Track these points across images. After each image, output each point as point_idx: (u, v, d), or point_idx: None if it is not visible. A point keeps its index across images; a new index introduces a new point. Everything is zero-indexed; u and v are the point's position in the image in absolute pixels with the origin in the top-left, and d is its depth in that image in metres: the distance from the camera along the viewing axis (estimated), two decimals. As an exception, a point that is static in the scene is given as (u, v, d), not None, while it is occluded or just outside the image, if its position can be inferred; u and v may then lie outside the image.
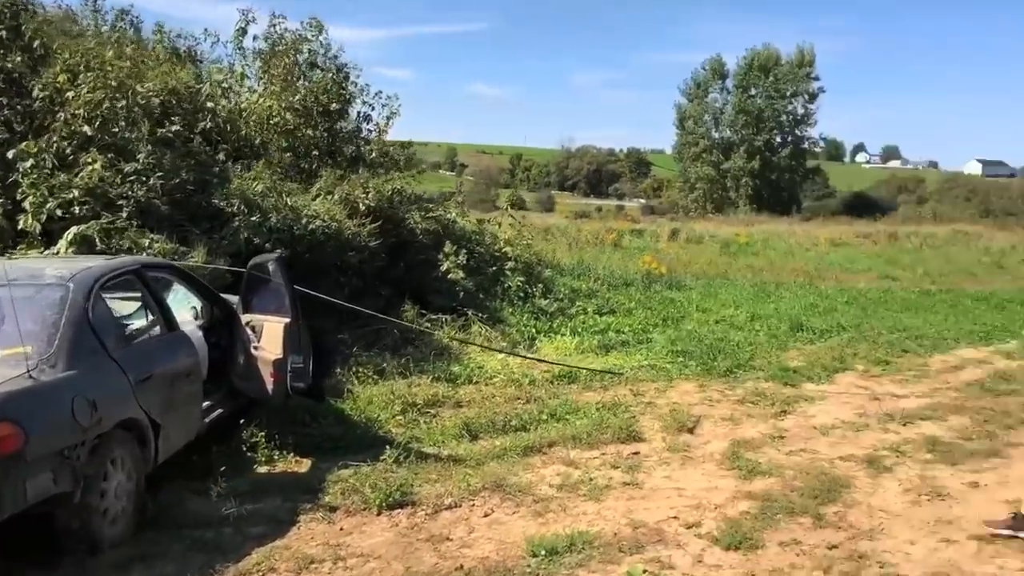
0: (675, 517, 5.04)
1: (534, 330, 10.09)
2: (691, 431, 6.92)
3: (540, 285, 10.85)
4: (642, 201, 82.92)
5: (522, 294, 10.76)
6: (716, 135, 60.50)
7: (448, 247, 9.96)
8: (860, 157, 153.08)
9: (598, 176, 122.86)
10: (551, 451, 6.29)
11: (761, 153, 57.82)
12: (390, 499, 5.15)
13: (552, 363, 8.71)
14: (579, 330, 10.28)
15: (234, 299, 6.27)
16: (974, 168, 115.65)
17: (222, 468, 5.44)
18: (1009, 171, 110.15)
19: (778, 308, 12.64)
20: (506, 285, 10.78)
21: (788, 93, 58.48)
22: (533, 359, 8.75)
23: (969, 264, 21.50)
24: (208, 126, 9.89)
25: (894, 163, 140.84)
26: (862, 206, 55.40)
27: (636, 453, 6.31)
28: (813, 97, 58.87)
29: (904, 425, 7.06)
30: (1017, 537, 4.63)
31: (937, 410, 7.51)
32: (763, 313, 12.18)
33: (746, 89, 59.32)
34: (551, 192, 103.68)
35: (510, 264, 11.01)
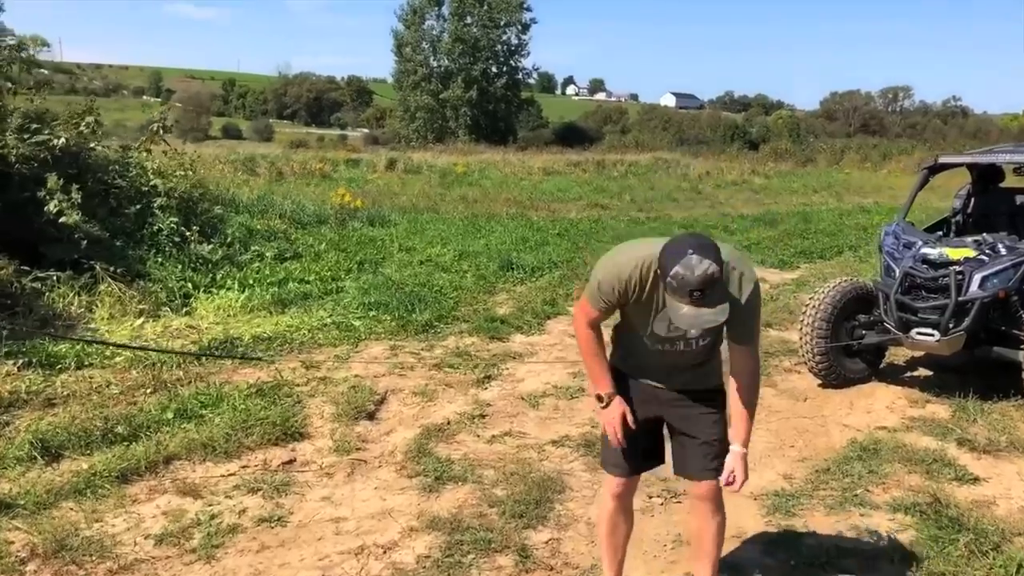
0: (323, 577, 3.44)
1: (189, 285, 7.98)
2: (372, 416, 5.35)
3: (198, 227, 8.66)
4: (365, 131, 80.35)
5: (177, 239, 8.56)
6: (435, 63, 59.19)
7: (52, 181, 7.49)
8: (570, 90, 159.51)
9: (319, 105, 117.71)
10: (166, 471, 4.43)
11: (478, 83, 57.46)
12: None
13: (120, 347, 6.71)
14: (250, 282, 8.32)
15: None
16: (669, 100, 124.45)
17: None
18: (698, 103, 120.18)
19: (488, 244, 11.42)
20: (155, 228, 8.52)
21: (502, 23, 58.31)
22: (98, 343, 6.48)
23: (671, 190, 21.90)
24: None
25: (600, 95, 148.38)
26: (572, 136, 57.09)
27: (290, 462, 4.62)
28: (526, 28, 59.24)
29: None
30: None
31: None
32: (472, 250, 10.88)
33: (461, 17, 58.34)
34: (269, 121, 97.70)
35: (160, 201, 8.73)
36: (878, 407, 5.66)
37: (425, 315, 7.67)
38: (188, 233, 8.53)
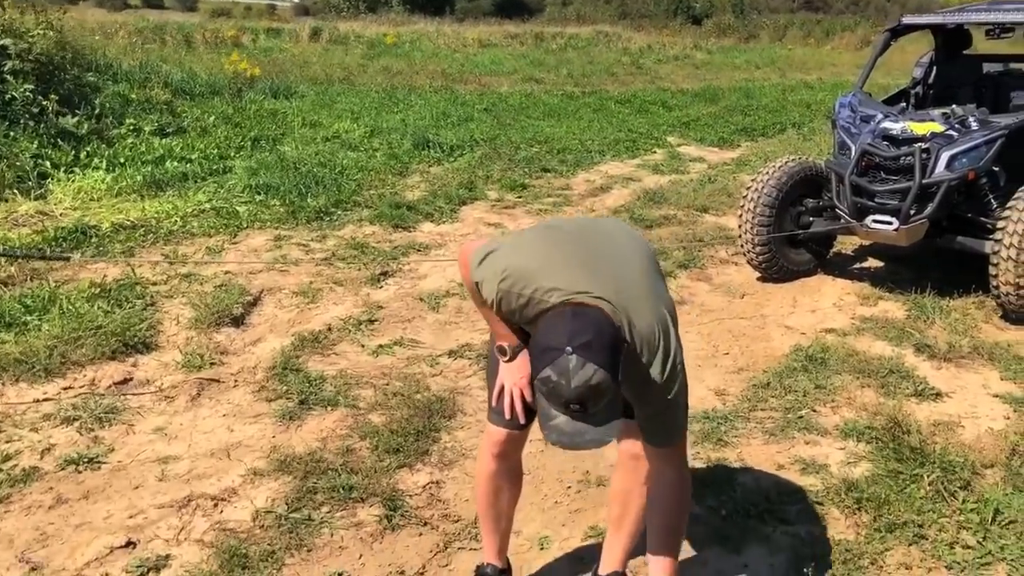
0: (127, 544, 2.66)
1: (47, 163, 6.87)
2: (239, 321, 4.50)
3: (57, 97, 7.42)
4: (295, 1, 76.20)
5: (35, 109, 7.36)
6: (366, -75, 55.52)
7: None
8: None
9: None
10: (-34, 396, 3.57)
11: (411, -52, 54.19)
12: None
13: None
14: (121, 160, 7.24)
15: None
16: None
17: None
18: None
19: (405, 120, 10.35)
20: (7, 95, 7.30)
21: None
22: None
23: (610, 64, 20.74)
24: None
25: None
26: (512, 8, 54.49)
27: (124, 381, 3.78)
28: None
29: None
30: None
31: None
32: (386, 126, 9.83)
33: None
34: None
35: (11, 64, 7.46)
36: (825, 305, 5.00)
37: (321, 200, 6.73)
38: (46, 102, 7.32)
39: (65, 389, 3.67)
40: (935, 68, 6.10)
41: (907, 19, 5.64)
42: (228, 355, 4.11)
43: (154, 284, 4.91)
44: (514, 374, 2.14)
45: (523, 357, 2.14)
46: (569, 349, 1.66)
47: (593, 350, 1.67)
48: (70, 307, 4.38)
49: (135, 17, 26.64)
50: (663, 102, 13.94)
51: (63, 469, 3.06)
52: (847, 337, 4.43)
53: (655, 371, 1.89)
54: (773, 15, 51.55)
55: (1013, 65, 6.21)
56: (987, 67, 6.14)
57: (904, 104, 5.72)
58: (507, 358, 2.15)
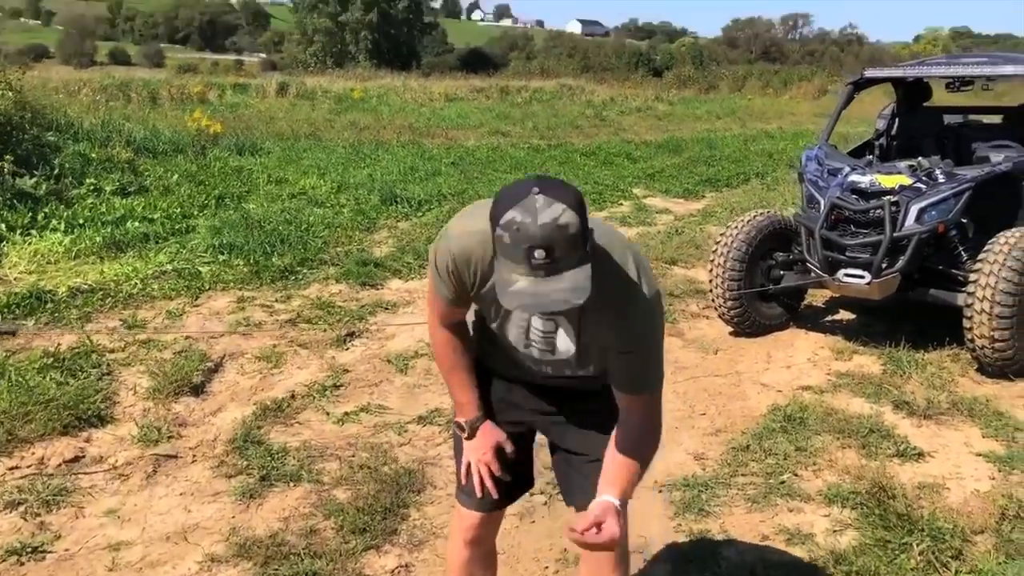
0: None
1: (3, 227, 6.67)
2: (199, 390, 4.33)
3: (12, 158, 7.26)
4: (263, 56, 76.71)
5: (-10, 171, 7.19)
6: (333, -15, 56.27)
7: None
8: (476, 15, 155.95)
9: (213, 29, 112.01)
10: (-102, 480, 3.35)
11: (379, 5, 55.01)
12: None
13: None
14: (80, 221, 7.06)
15: None
16: (575, 27, 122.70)
17: None
18: (604, 30, 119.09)
19: (373, 175, 10.28)
20: (-39, 159, 7.12)
21: (404, -57, 55.74)
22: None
23: (574, 117, 20.96)
24: None
25: (506, 21, 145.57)
26: (478, 62, 55.31)
27: (77, 459, 3.59)
28: (428, -53, 56.71)
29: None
30: None
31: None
32: (354, 182, 9.74)
33: (359, -66, 55.38)
34: (160, 46, 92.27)
35: (-34, 126, 7.31)
36: (799, 360, 4.94)
37: (286, 258, 6.59)
38: (2, 163, 7.15)
39: (11, 469, 3.47)
40: (897, 120, 6.16)
41: (869, 72, 5.69)
42: (187, 427, 3.94)
43: (111, 352, 4.72)
44: (477, 450, 2.03)
45: (484, 431, 2.04)
46: (536, 189, 1.53)
47: (561, 191, 1.54)
48: (20, 379, 4.18)
49: (101, 74, 26.59)
50: (627, 154, 14.04)
51: (3, 561, 2.86)
52: (824, 395, 4.36)
53: (631, 305, 1.76)
54: (731, 66, 52.71)
55: (972, 117, 6.30)
56: (947, 118, 6.21)
57: (870, 156, 5.75)
58: (466, 435, 2.05)
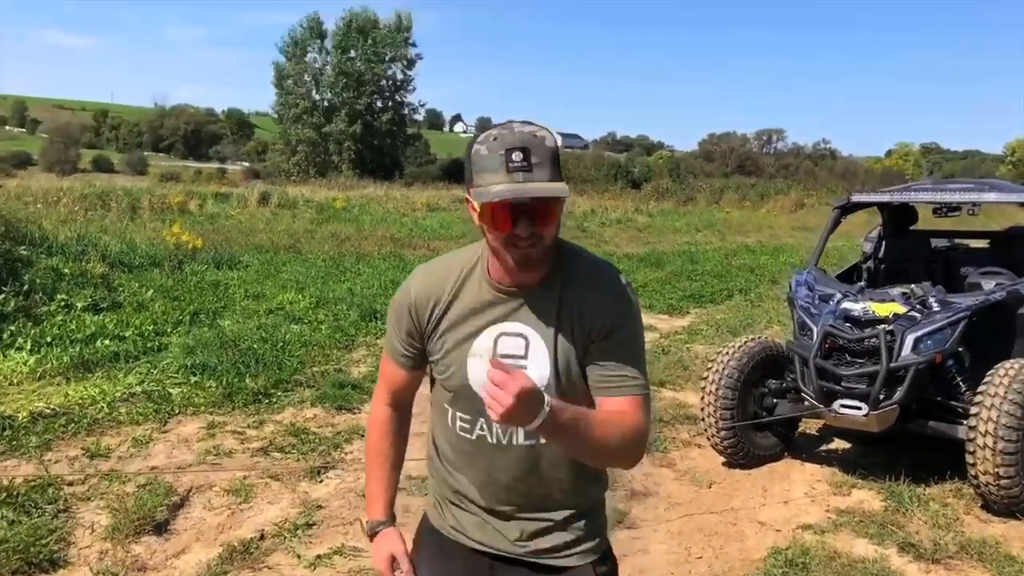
0: None
1: (-34, 344, 6.44)
2: (162, 528, 4.04)
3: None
4: (246, 165, 77.94)
5: (-42, 287, 6.99)
6: (317, 97, 57.63)
7: None
8: (458, 127, 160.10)
9: (197, 137, 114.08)
10: None
11: (363, 117, 56.25)
12: None
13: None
14: (48, 340, 6.82)
15: None
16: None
17: None
18: (583, 143, 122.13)
19: (353, 289, 10.15)
20: (-71, 274, 6.93)
21: (387, 58, 57.50)
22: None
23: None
24: None
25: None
26: (460, 172, 55.41)
27: (19, 613, 3.28)
28: (412, 63, 58.51)
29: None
30: None
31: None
32: (333, 296, 9.60)
33: (345, 51, 57.14)
34: (143, 154, 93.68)
35: (-64, 241, 7.15)
36: (796, 494, 4.72)
37: (260, 380, 6.36)
38: (-30, 280, 6.97)
39: (-54, 626, 3.16)
40: (885, 243, 6.14)
41: (856, 197, 5.69)
42: (146, 571, 3.64)
43: (69, 485, 4.44)
44: (378, 554, 1.91)
45: (385, 538, 1.90)
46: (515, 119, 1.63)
47: (538, 123, 1.64)
48: (-33, 518, 3.89)
49: (82, 183, 26.68)
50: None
51: None
52: (825, 535, 4.13)
53: (608, 280, 1.75)
54: (708, 179, 54.08)
55: (958, 240, 6.30)
56: (935, 242, 6.20)
57: (860, 281, 5.68)
58: (368, 535, 1.93)
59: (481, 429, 1.77)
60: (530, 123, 1.62)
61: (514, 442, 1.75)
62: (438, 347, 1.78)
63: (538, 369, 1.69)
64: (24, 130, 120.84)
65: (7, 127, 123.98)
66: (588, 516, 1.83)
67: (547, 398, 1.47)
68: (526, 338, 1.71)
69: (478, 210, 1.62)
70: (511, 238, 1.62)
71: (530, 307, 1.71)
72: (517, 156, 1.55)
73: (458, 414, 1.80)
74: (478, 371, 1.71)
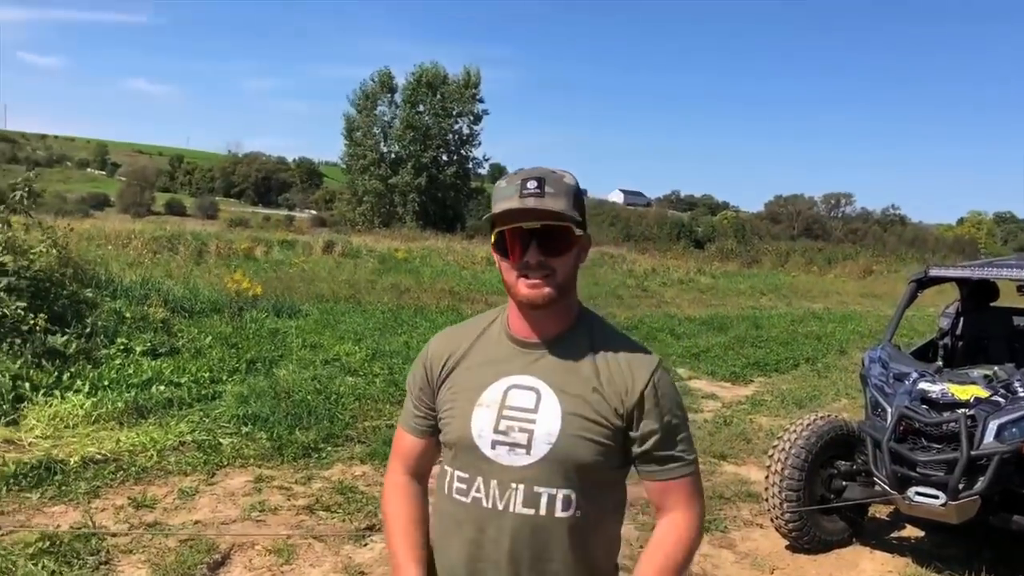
0: None
1: (27, 386, 6.50)
2: (200, 588, 3.93)
3: (46, 314, 7.18)
4: (313, 213, 79.75)
5: (24, 327, 7.10)
6: (384, 149, 58.85)
7: None
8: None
9: (267, 185, 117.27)
10: None
11: (428, 170, 57.12)
12: None
13: None
14: (105, 383, 6.87)
15: None
16: (617, 197, 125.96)
17: None
18: (646, 200, 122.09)
19: (409, 342, 10.09)
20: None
21: (454, 112, 58.44)
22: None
23: (616, 287, 20.93)
24: None
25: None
26: (522, 227, 56.49)
27: (48, 673, 3.18)
28: (478, 118, 59.35)
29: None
30: None
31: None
32: (389, 349, 9.55)
33: (414, 104, 58.31)
34: (215, 199, 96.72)
35: (7, 281, 7.29)
36: (866, 586, 4.42)
37: (311, 433, 6.29)
38: (34, 320, 7.07)
39: None
40: (962, 319, 5.84)
41: (934, 271, 5.43)
42: (179, 637, 3.52)
43: (113, 536, 4.38)
44: None
45: None
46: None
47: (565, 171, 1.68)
48: (10, 567, 3.84)
49: (153, 225, 27.41)
50: (671, 329, 13.78)
51: None
52: (900, 635, 3.83)
53: (637, 351, 1.73)
54: (774, 241, 53.34)
55: None
56: (1017, 319, 5.87)
57: (936, 359, 5.39)
58: None
59: (477, 491, 1.65)
60: (556, 169, 1.65)
61: (511, 508, 1.62)
62: (446, 398, 1.72)
63: (547, 425, 1.62)
64: (104, 173, 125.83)
65: (88, 169, 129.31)
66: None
67: None
68: (538, 392, 1.65)
69: (492, 240, 1.65)
70: (522, 268, 1.61)
71: (547, 361, 1.67)
72: (531, 184, 1.59)
73: (456, 473, 1.69)
74: (483, 422, 1.65)
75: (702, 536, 1.70)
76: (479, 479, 1.65)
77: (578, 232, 1.64)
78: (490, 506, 1.63)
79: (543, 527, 1.61)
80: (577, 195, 1.63)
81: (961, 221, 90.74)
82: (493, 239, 1.65)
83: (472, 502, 1.65)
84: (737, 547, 4.89)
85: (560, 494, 1.60)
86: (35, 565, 3.91)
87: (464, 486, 1.66)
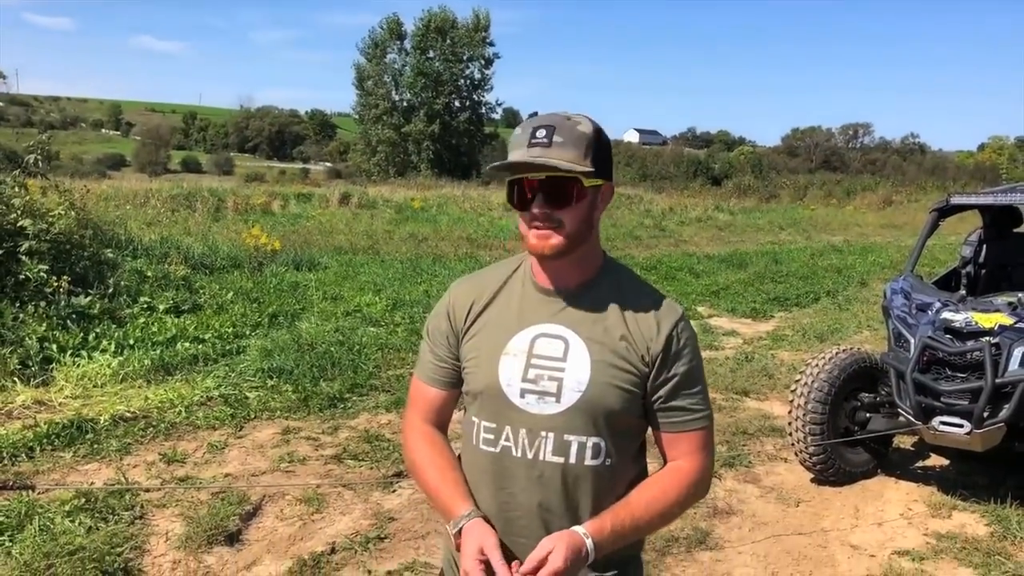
0: None
1: (55, 347, 6.59)
2: (234, 538, 4.02)
3: (69, 276, 7.24)
4: (328, 165, 79.53)
5: (48, 290, 7.18)
6: (396, 97, 58.37)
7: None
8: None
9: (281, 138, 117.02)
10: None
11: (441, 117, 56.69)
12: None
13: None
14: (130, 342, 6.95)
15: None
16: (632, 136, 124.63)
17: None
18: (661, 139, 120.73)
19: (428, 291, 10.12)
20: (21, 276, 7.13)
21: (465, 57, 57.81)
22: None
23: (633, 227, 20.85)
24: None
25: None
26: (537, 171, 56.19)
27: (92, 624, 3.28)
28: (489, 62, 58.68)
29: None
30: None
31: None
32: (410, 299, 9.59)
33: (424, 51, 57.71)
34: (229, 154, 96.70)
35: (28, 244, 7.34)
36: (891, 516, 4.44)
37: (335, 384, 6.36)
38: (57, 282, 7.14)
39: (24, 634, 3.18)
40: (985, 247, 5.76)
41: (955, 199, 5.34)
42: (212, 587, 3.61)
43: (146, 491, 4.47)
44: (469, 549, 1.55)
45: (471, 529, 1.58)
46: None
47: (584, 116, 1.64)
48: (48, 524, 3.93)
49: (170, 184, 27.48)
50: (690, 267, 13.72)
51: None
52: (924, 562, 3.86)
53: (659, 298, 1.71)
54: (792, 175, 52.67)
55: None
56: None
57: (959, 288, 5.34)
58: (452, 534, 1.61)
59: (506, 439, 1.63)
60: (574, 114, 1.61)
61: (540, 456, 1.61)
62: (472, 347, 1.70)
63: (576, 373, 1.60)
64: (119, 133, 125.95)
65: (103, 130, 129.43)
66: (620, 571, 1.67)
67: (586, 543, 1.51)
68: (566, 341, 1.63)
69: (507, 190, 1.64)
70: (530, 218, 1.59)
71: (573, 310, 1.65)
72: (541, 132, 1.55)
73: (483, 423, 1.67)
74: (511, 370, 1.63)
75: (706, 491, 1.69)
76: (507, 428, 1.63)
77: (591, 182, 1.59)
78: (519, 455, 1.62)
79: (574, 475, 1.60)
80: (593, 143, 1.58)
81: (982, 147, 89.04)
82: (507, 189, 1.63)
83: (501, 451, 1.64)
84: (762, 481, 4.92)
85: (590, 442, 1.60)
86: (72, 522, 3.99)
87: (491, 436, 1.65)
